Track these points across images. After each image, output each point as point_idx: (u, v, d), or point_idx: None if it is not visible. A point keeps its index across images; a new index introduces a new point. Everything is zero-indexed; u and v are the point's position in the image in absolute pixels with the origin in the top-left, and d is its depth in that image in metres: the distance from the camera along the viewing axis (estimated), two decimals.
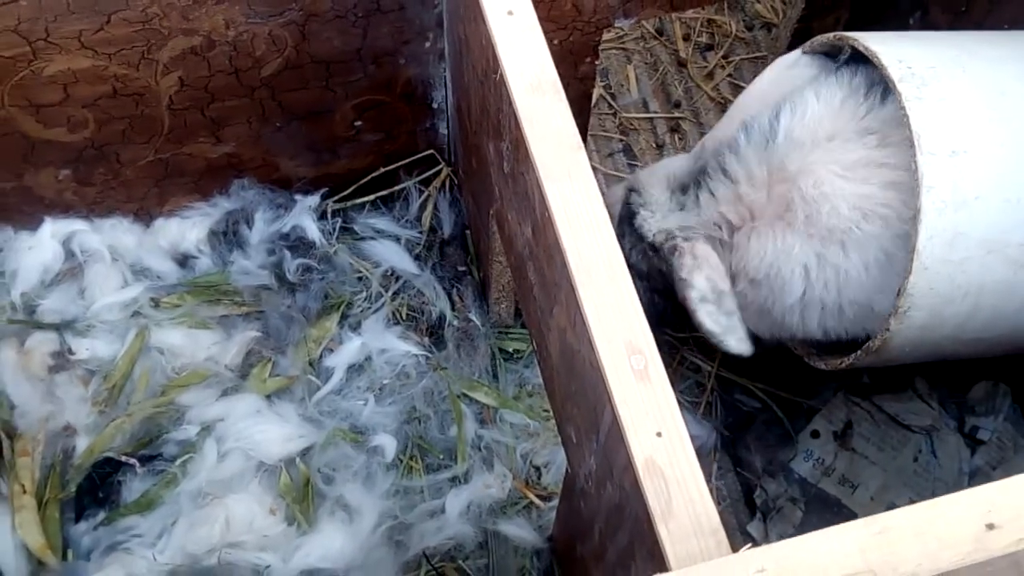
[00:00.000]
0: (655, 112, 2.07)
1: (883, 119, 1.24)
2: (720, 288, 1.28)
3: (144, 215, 1.72)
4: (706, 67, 2.12)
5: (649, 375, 0.89)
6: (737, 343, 1.29)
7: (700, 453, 1.63)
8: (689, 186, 1.40)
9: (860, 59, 1.32)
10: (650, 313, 1.34)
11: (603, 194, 1.30)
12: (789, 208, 1.27)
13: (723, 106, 2.07)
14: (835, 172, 1.24)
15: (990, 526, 0.77)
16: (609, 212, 1.23)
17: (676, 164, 1.45)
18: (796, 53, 1.39)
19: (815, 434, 1.69)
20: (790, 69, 1.38)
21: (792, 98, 1.31)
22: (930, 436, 1.68)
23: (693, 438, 1.62)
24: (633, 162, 2.00)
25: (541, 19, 1.48)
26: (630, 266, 1.05)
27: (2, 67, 1.36)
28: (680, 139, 2.03)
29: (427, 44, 1.55)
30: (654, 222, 1.41)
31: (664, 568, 0.81)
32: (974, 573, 0.77)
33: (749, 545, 0.77)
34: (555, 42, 1.59)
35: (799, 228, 1.27)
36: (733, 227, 1.34)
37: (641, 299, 1.34)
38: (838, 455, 1.67)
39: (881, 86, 1.27)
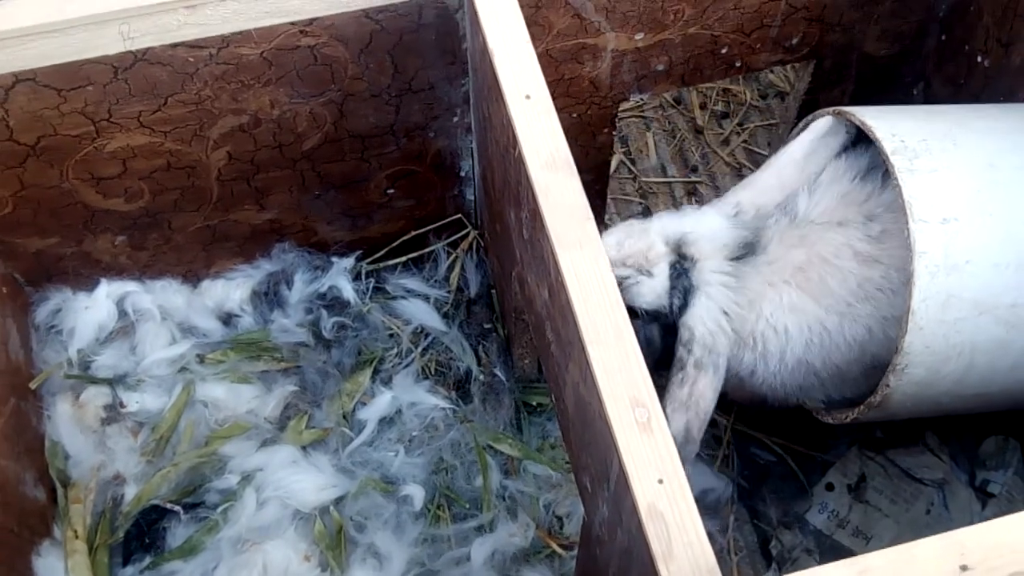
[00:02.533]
0: (673, 176, 2.17)
1: (883, 203, 1.40)
2: (693, 436, 1.36)
3: (192, 277, 1.83)
4: (722, 134, 2.23)
5: (651, 427, 0.97)
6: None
7: (717, 504, 1.70)
8: (746, 257, 1.46)
9: (860, 135, 1.43)
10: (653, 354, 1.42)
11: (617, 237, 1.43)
12: (805, 269, 1.41)
13: (738, 170, 2.16)
14: (850, 255, 1.40)
15: (963, 568, 0.84)
16: (628, 257, 1.38)
17: (720, 227, 1.48)
18: (828, 119, 1.51)
19: (830, 487, 1.74)
20: (824, 138, 1.51)
21: (809, 182, 1.47)
22: (942, 489, 1.72)
23: (710, 490, 1.70)
24: None
25: (560, 95, 1.60)
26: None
27: (68, 144, 1.49)
28: (697, 202, 2.12)
29: (455, 119, 1.66)
30: (714, 296, 1.43)
31: None
32: None
33: None
34: (574, 115, 1.70)
35: (813, 291, 1.41)
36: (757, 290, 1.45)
37: (650, 340, 1.42)
38: (852, 507, 1.72)
39: (882, 168, 1.40)
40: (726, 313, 1.42)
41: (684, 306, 1.42)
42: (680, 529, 0.91)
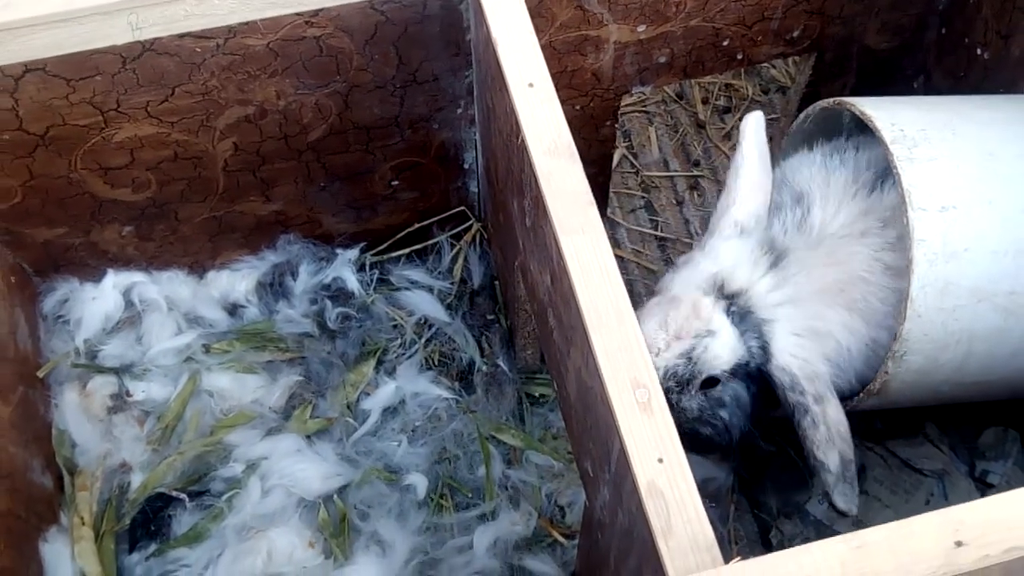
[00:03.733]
0: (675, 171, 2.19)
1: (890, 205, 1.39)
2: (849, 459, 1.30)
3: (198, 268, 1.85)
4: (724, 128, 2.24)
5: (652, 407, 0.98)
6: (856, 510, 1.32)
7: (718, 493, 1.71)
8: (776, 267, 1.41)
9: (861, 127, 1.44)
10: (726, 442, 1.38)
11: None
12: (846, 289, 1.38)
13: None
14: (881, 270, 1.38)
15: (959, 543, 0.85)
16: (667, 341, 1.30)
17: (738, 250, 1.41)
18: (758, 116, 1.48)
19: None
20: (759, 132, 1.47)
21: (818, 191, 1.44)
22: (942, 480, 1.73)
23: (711, 479, 1.71)
24: (654, 217, 2.11)
25: (563, 87, 1.61)
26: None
27: (77, 134, 1.50)
28: (699, 195, 2.14)
29: (459, 111, 1.67)
30: (784, 321, 1.36)
31: None
32: None
33: (739, 558, 0.86)
34: (576, 107, 1.71)
35: (863, 312, 1.38)
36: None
37: (738, 398, 1.37)
38: None
39: (874, 169, 1.41)
40: (799, 335, 1.36)
41: (763, 346, 1.33)
42: (679, 506, 0.92)
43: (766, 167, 1.45)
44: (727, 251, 1.39)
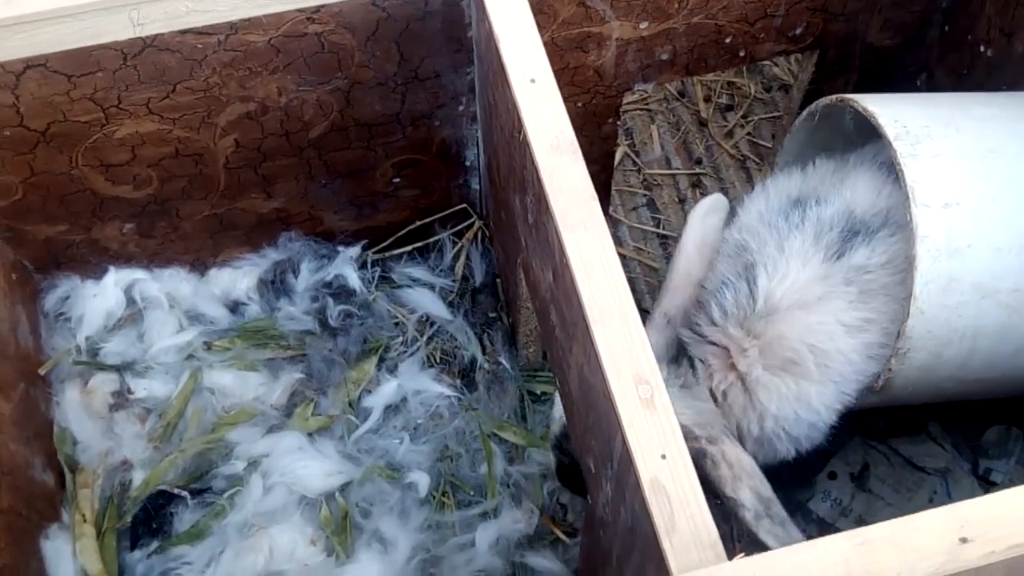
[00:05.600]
0: (677, 169, 2.18)
1: (853, 267, 1.34)
2: (766, 496, 1.26)
3: (199, 265, 1.84)
4: (726, 126, 2.23)
5: (655, 403, 0.98)
6: None
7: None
8: (680, 359, 1.40)
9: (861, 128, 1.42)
10: None
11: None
12: (795, 362, 1.34)
13: (742, 163, 2.17)
14: (842, 332, 1.34)
15: (963, 540, 0.85)
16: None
17: (654, 341, 1.40)
18: (710, 200, 1.47)
19: (832, 475, 1.75)
20: (707, 218, 1.45)
21: (764, 261, 1.37)
22: (945, 478, 1.73)
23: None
24: (656, 215, 2.10)
25: (565, 84, 1.61)
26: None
27: (78, 131, 1.50)
28: (701, 193, 2.13)
29: (460, 107, 1.67)
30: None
31: None
32: None
33: (743, 554, 0.86)
34: (579, 105, 1.71)
35: (814, 377, 1.34)
36: (725, 390, 1.38)
37: None
38: (855, 496, 1.72)
39: (838, 234, 1.35)
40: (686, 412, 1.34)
41: None
42: (683, 503, 0.92)
43: (704, 262, 1.44)
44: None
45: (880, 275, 1.34)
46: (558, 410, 1.45)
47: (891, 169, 1.39)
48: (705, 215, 1.45)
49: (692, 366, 1.39)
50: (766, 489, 1.26)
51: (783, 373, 1.35)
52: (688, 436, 1.28)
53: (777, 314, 1.34)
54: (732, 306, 1.36)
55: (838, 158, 1.50)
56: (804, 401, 1.35)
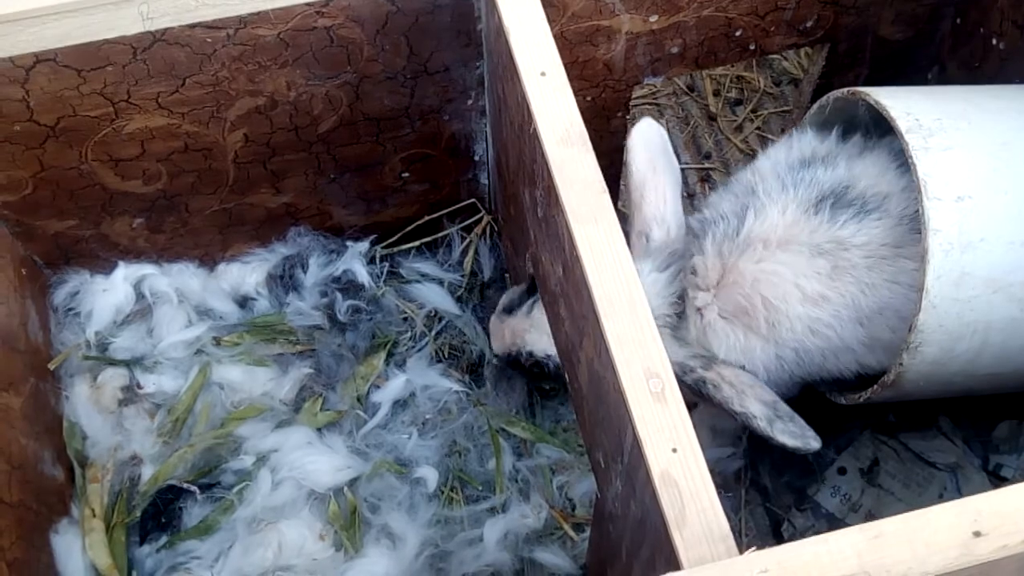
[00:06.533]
0: (686, 163, 2.17)
1: (833, 237, 1.37)
2: (770, 400, 1.31)
3: (208, 260, 1.84)
4: (735, 120, 2.23)
5: (665, 397, 0.97)
6: (815, 441, 1.30)
7: (725, 478, 1.71)
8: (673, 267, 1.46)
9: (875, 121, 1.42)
10: None
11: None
12: (747, 312, 1.39)
13: (752, 157, 2.16)
14: (798, 298, 1.37)
15: (976, 533, 0.84)
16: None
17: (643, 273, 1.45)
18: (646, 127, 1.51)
19: (842, 470, 1.74)
20: (647, 137, 1.50)
21: (758, 206, 1.42)
22: (955, 474, 1.72)
23: (718, 459, 1.69)
24: None
25: (574, 78, 1.61)
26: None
27: (87, 125, 1.50)
28: (710, 188, 2.13)
29: (469, 102, 1.67)
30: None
31: None
32: None
33: (754, 548, 0.85)
34: (588, 99, 1.70)
35: (762, 332, 1.39)
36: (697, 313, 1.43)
37: None
38: (865, 491, 1.72)
39: (831, 199, 1.39)
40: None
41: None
42: (693, 496, 0.92)
43: (656, 167, 1.48)
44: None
45: (854, 255, 1.35)
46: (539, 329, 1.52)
47: (898, 157, 1.40)
48: (643, 138, 1.50)
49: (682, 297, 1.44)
50: (767, 393, 1.32)
51: (734, 321, 1.40)
52: (685, 370, 1.36)
53: (746, 252, 1.38)
54: (720, 238, 1.41)
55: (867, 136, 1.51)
56: (748, 355, 1.40)
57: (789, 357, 1.41)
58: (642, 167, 1.49)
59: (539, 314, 1.54)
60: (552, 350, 1.50)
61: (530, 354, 1.57)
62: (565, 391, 1.61)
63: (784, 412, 1.29)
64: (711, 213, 1.48)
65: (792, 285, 1.36)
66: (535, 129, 1.18)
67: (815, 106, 1.55)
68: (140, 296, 1.80)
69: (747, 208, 1.42)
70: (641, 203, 1.50)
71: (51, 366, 1.71)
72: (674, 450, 0.94)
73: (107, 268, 1.78)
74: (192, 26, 1.39)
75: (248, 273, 1.84)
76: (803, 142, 1.51)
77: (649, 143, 1.50)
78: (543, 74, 1.21)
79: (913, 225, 1.35)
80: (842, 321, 1.37)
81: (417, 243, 1.90)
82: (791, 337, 1.38)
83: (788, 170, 1.45)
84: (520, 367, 1.62)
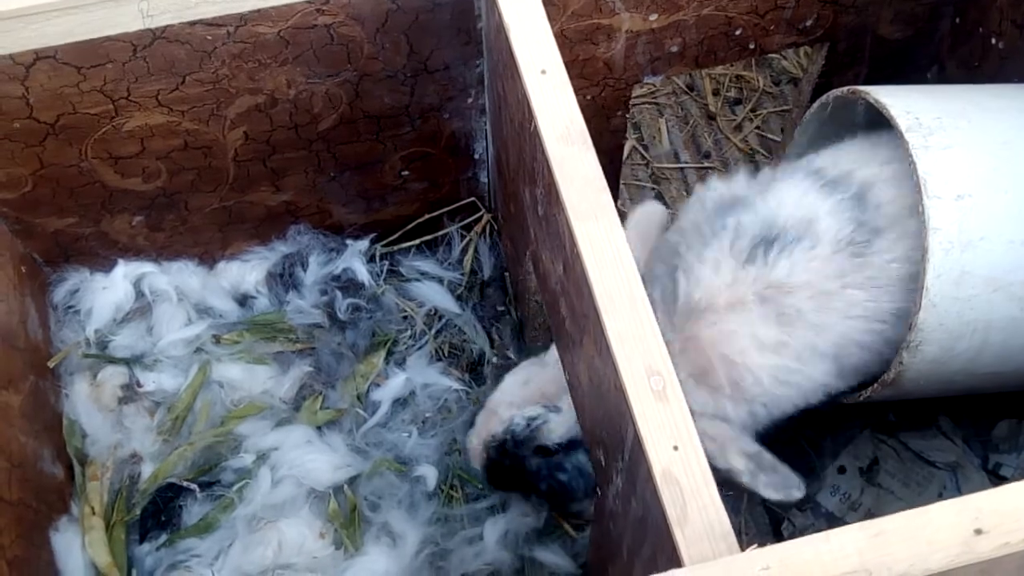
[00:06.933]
0: (686, 163, 2.18)
1: (770, 282, 1.31)
2: (753, 451, 1.26)
3: (208, 258, 1.84)
4: (735, 120, 2.23)
5: (667, 395, 0.97)
6: (799, 491, 1.26)
7: (728, 482, 1.70)
8: None
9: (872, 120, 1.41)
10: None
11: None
12: (708, 372, 1.32)
13: (751, 156, 2.16)
14: (754, 347, 1.31)
15: (978, 531, 0.84)
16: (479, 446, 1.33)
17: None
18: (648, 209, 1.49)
19: (842, 469, 1.74)
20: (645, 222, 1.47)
21: (683, 262, 1.37)
22: (955, 473, 1.72)
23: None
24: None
25: (574, 76, 1.60)
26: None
27: (87, 123, 1.50)
28: None
29: (469, 100, 1.67)
30: None
31: None
32: (963, 574, 0.84)
33: (756, 545, 0.85)
34: (588, 97, 1.70)
35: (726, 392, 1.33)
36: None
37: (581, 468, 1.35)
38: (864, 490, 1.72)
39: (763, 244, 1.33)
40: None
41: None
42: (695, 494, 0.92)
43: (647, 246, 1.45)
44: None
45: (799, 299, 1.30)
46: (498, 411, 1.41)
47: (819, 176, 1.36)
48: (640, 222, 1.47)
49: None
50: (748, 445, 1.27)
51: (700, 384, 1.33)
52: None
53: (700, 318, 1.32)
54: (663, 308, 1.36)
55: (778, 167, 1.48)
56: (722, 417, 1.33)
57: (761, 412, 1.35)
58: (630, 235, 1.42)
59: None
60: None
61: None
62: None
63: (767, 464, 1.25)
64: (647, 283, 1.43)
65: (748, 339, 1.31)
66: (535, 127, 1.18)
67: (815, 104, 1.55)
68: (140, 294, 1.79)
69: (677, 270, 1.37)
70: None
71: (51, 364, 1.71)
72: (675, 448, 0.94)
73: (107, 266, 1.78)
74: (192, 23, 1.38)
75: (248, 271, 1.84)
76: (714, 191, 1.45)
77: (639, 228, 1.45)
78: (543, 72, 1.21)
79: (853, 249, 1.30)
80: (805, 361, 1.32)
81: (417, 241, 1.90)
82: (759, 391, 1.33)
83: (708, 221, 1.40)
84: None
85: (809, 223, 1.32)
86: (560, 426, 1.37)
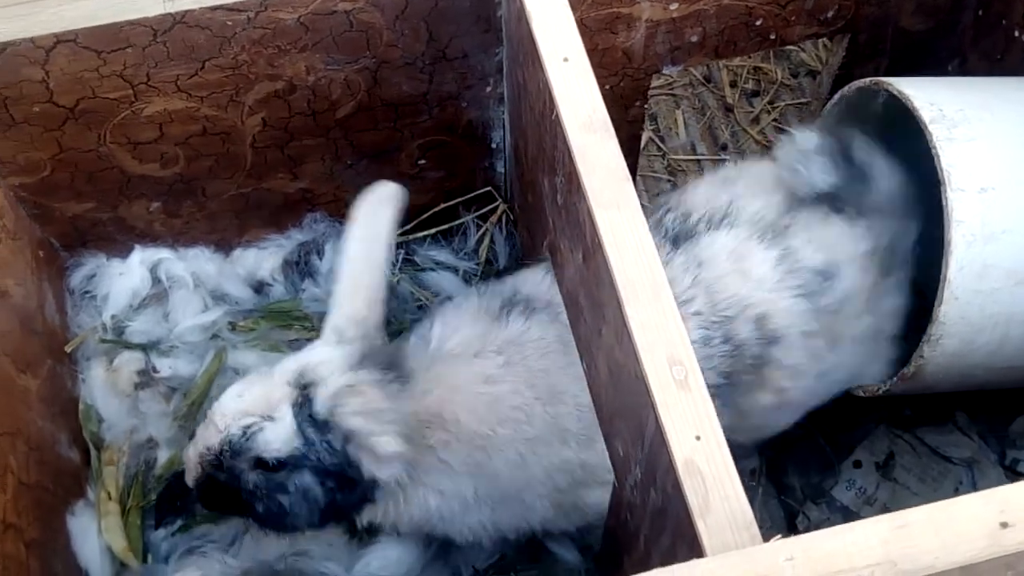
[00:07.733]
0: (702, 154, 2.17)
1: (505, 340, 1.40)
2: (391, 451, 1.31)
3: (224, 245, 1.84)
4: (752, 112, 2.22)
5: (689, 384, 0.97)
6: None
7: (742, 475, 1.70)
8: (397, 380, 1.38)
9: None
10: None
11: None
12: (445, 416, 1.37)
13: (768, 148, 2.15)
14: (476, 391, 1.36)
15: (1004, 524, 0.84)
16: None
17: (328, 354, 1.39)
18: (380, 191, 1.49)
19: (858, 464, 1.73)
20: (376, 211, 1.47)
21: (444, 311, 1.48)
22: (971, 468, 1.71)
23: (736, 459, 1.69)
24: None
25: (593, 65, 1.59)
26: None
27: (106, 108, 1.50)
28: None
29: (488, 88, 1.66)
30: (349, 413, 1.31)
31: None
32: (989, 567, 0.84)
33: (779, 536, 0.85)
34: (607, 87, 1.69)
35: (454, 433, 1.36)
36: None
37: (307, 491, 1.33)
38: (880, 485, 1.71)
39: (508, 308, 1.42)
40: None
41: (343, 445, 1.31)
42: (717, 483, 0.91)
43: (372, 264, 1.43)
44: (320, 352, 1.39)
45: (527, 349, 1.38)
46: (215, 420, 1.36)
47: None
48: (368, 216, 1.45)
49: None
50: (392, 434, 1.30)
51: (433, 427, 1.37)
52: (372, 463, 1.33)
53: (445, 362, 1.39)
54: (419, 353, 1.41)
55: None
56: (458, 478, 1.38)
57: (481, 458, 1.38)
58: (356, 255, 1.45)
59: None
60: None
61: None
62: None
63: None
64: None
65: (474, 379, 1.37)
66: (557, 115, 1.17)
67: (836, 96, 1.54)
68: (156, 280, 1.80)
69: (433, 320, 1.46)
70: (345, 299, 1.43)
71: (68, 349, 1.71)
72: (697, 438, 0.94)
73: (124, 252, 1.78)
74: (213, 8, 1.38)
75: (264, 259, 1.84)
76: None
77: (369, 227, 1.45)
78: (566, 59, 1.20)
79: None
80: (523, 395, 1.36)
81: (432, 231, 1.90)
82: (477, 431, 1.36)
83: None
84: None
85: (548, 304, 1.44)
86: (277, 437, 1.31)
